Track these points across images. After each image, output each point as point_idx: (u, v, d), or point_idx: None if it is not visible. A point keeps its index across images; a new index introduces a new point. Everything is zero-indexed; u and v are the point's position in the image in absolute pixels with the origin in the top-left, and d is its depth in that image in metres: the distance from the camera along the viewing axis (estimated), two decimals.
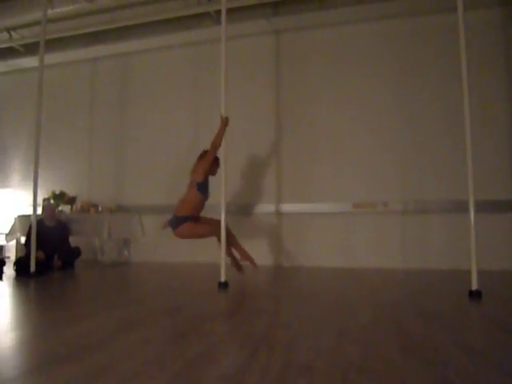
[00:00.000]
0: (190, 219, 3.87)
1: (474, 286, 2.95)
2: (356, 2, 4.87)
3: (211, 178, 3.98)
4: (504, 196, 4.41)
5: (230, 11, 3.99)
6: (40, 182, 4.37)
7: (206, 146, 3.88)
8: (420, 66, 4.81)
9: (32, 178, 4.24)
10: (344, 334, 1.99)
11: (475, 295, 2.91)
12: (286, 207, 5.06)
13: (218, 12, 4.35)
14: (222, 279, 3.43)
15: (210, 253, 4.93)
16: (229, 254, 3.90)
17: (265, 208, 5.12)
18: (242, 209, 5.12)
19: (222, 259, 3.47)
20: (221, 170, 3.65)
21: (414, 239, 4.65)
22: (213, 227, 3.78)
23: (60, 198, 5.61)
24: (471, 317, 2.42)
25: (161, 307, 2.69)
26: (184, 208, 3.88)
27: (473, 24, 4.37)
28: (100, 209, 5.48)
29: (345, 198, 4.87)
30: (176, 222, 3.87)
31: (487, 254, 4.03)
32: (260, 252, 5.09)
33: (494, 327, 2.13)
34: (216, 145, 3.71)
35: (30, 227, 4.36)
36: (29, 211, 4.96)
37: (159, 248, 5.55)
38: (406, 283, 3.76)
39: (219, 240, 3.62)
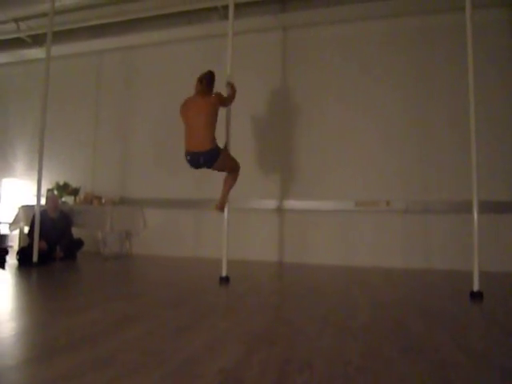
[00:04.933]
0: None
1: (476, 287, 2.94)
2: (363, 0, 4.83)
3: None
4: (507, 197, 4.39)
5: (237, 6, 3.97)
6: (44, 173, 4.39)
7: None
8: (426, 66, 4.78)
9: (36, 169, 4.25)
10: (344, 332, 1.99)
11: (477, 296, 2.90)
12: (290, 204, 5.06)
13: (226, 7, 4.33)
14: (224, 274, 3.44)
15: (212, 248, 4.95)
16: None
17: (268, 204, 5.11)
18: (246, 204, 5.11)
19: (224, 254, 3.48)
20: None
21: (416, 239, 4.64)
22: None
23: (63, 188, 5.62)
24: (472, 318, 2.42)
25: (162, 301, 2.70)
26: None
27: (480, 23, 4.33)
28: (103, 201, 5.49)
29: (348, 196, 4.86)
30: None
31: (489, 255, 4.02)
32: (262, 248, 5.11)
33: (495, 329, 2.13)
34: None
35: (34, 217, 4.38)
36: (33, 201, 4.97)
37: (161, 241, 5.57)
38: (407, 283, 3.75)
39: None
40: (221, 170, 3.64)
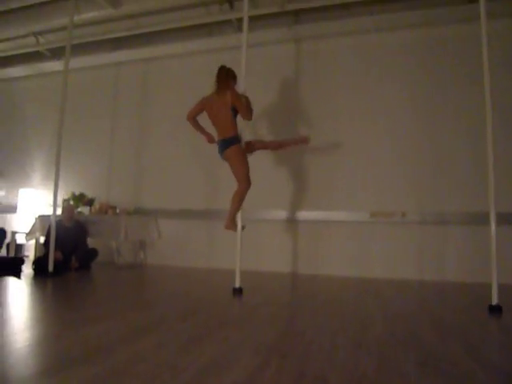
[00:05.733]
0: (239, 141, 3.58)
1: (495, 301, 2.87)
2: (377, 12, 4.84)
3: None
4: None
5: (251, 19, 4.01)
6: (60, 183, 4.44)
7: None
8: (441, 76, 4.75)
9: (53, 179, 4.32)
10: (359, 345, 1.95)
11: (495, 310, 2.83)
12: (303, 215, 5.04)
13: (240, 20, 4.39)
14: (237, 285, 3.43)
15: (226, 258, 4.94)
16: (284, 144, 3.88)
17: (281, 215, 5.10)
18: (259, 215, 5.10)
19: (237, 265, 3.47)
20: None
21: (432, 250, 4.57)
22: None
23: (79, 199, 5.70)
24: (491, 332, 2.36)
25: (175, 312, 2.69)
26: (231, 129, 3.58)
27: (495, 34, 4.29)
28: (118, 211, 5.54)
29: (362, 207, 4.82)
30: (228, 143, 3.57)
31: (507, 268, 3.92)
32: (275, 259, 5.08)
33: None
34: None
35: (50, 227, 4.43)
36: (49, 211, 5.04)
37: (175, 252, 5.58)
38: (423, 295, 3.68)
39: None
40: (230, 166, 3.61)
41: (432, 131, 4.71)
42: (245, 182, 3.55)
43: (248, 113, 3.61)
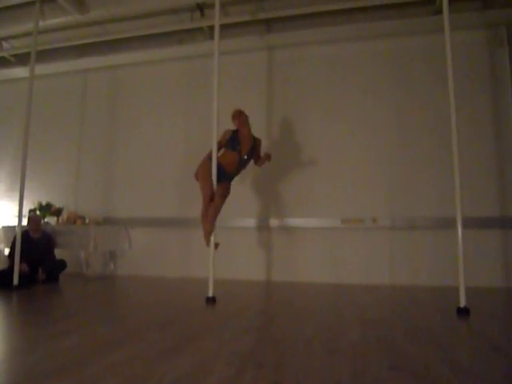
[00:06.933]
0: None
1: (462, 303, 2.96)
2: (347, 21, 4.95)
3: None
4: (491, 213, 4.46)
5: (223, 27, 4.03)
6: (26, 193, 4.31)
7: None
8: (410, 85, 4.88)
9: (18, 190, 4.17)
10: (333, 351, 1.96)
11: (463, 312, 2.92)
12: (276, 222, 5.05)
13: (211, 27, 4.39)
14: (210, 294, 3.40)
15: (199, 267, 4.89)
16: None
17: (255, 222, 5.10)
18: (232, 223, 5.08)
19: (211, 274, 3.44)
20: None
21: (403, 255, 4.66)
22: (211, 195, 3.63)
23: (46, 209, 5.52)
24: (460, 334, 2.42)
25: (147, 323, 2.64)
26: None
27: (460, 45, 4.49)
28: (87, 221, 5.40)
29: (334, 214, 4.87)
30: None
31: (475, 271, 4.06)
32: (249, 267, 5.07)
33: (483, 344, 2.12)
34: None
35: (15, 238, 4.27)
36: (14, 222, 4.86)
37: (147, 261, 5.48)
38: (395, 300, 3.75)
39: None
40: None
41: (402, 138, 4.82)
42: (204, 199, 3.67)
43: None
